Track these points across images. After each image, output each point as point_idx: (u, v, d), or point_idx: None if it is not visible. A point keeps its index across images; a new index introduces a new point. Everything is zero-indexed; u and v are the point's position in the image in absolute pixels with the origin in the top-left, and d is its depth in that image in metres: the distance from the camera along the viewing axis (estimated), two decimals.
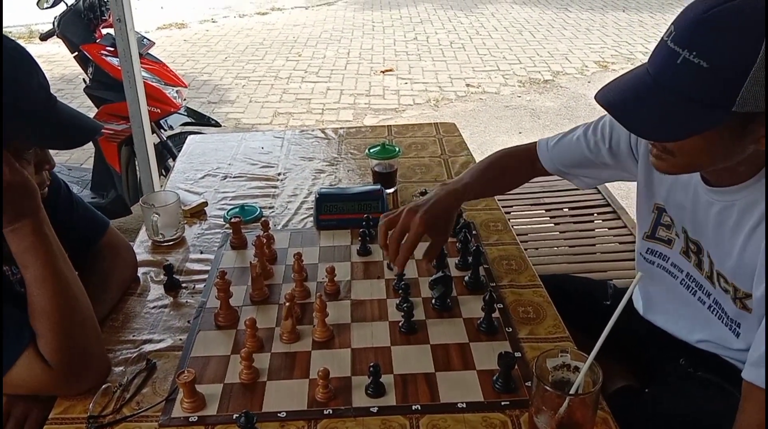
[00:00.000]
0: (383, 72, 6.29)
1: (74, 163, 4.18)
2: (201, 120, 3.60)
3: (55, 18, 3.28)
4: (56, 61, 6.41)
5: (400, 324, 1.29)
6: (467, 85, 5.88)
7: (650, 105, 1.00)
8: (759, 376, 1.00)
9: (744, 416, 1.05)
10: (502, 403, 1.10)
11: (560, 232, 2.36)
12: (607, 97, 1.04)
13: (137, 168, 3.20)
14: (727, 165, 1.06)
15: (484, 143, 4.58)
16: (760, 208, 1.07)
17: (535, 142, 1.53)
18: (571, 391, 0.97)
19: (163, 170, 3.37)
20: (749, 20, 0.92)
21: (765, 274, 1.03)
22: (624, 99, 1.02)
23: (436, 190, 1.39)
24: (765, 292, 1.03)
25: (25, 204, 1.06)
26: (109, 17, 3.13)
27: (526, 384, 1.13)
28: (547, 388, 0.96)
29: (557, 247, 2.32)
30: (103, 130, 3.13)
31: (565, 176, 1.51)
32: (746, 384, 1.04)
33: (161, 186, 3.06)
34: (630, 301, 1.06)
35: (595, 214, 2.43)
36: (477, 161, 1.63)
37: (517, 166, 1.55)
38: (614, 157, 1.36)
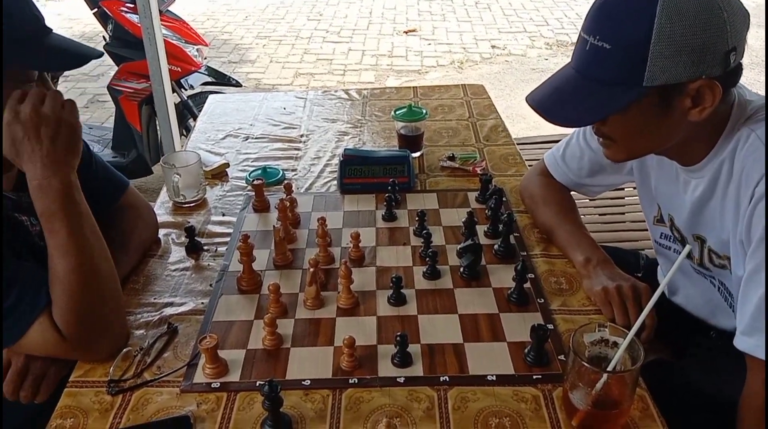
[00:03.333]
0: (406, 32, 6.15)
1: (95, 122, 4.17)
2: (222, 80, 3.54)
3: None
4: (76, 19, 6.35)
5: (424, 269, 1.28)
6: (492, 47, 5.73)
7: (570, 94, 1.03)
8: (751, 344, 1.01)
9: (747, 387, 1.05)
10: (534, 377, 1.06)
11: (590, 200, 2.29)
12: (534, 97, 1.07)
13: (158, 127, 3.16)
14: (672, 143, 1.08)
15: (509, 107, 4.47)
16: (723, 176, 1.07)
17: (541, 161, 1.51)
18: (609, 368, 0.93)
19: (183, 130, 3.33)
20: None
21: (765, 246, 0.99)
22: (549, 94, 1.06)
23: (600, 272, 1.25)
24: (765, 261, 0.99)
25: (69, 147, 1.05)
26: None
27: (559, 357, 1.09)
28: (585, 363, 0.92)
29: (587, 214, 2.26)
30: (121, 90, 3.11)
31: (578, 188, 1.48)
32: (746, 355, 1.03)
33: (182, 146, 3.02)
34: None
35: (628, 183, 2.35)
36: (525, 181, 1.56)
37: (562, 194, 1.48)
38: None
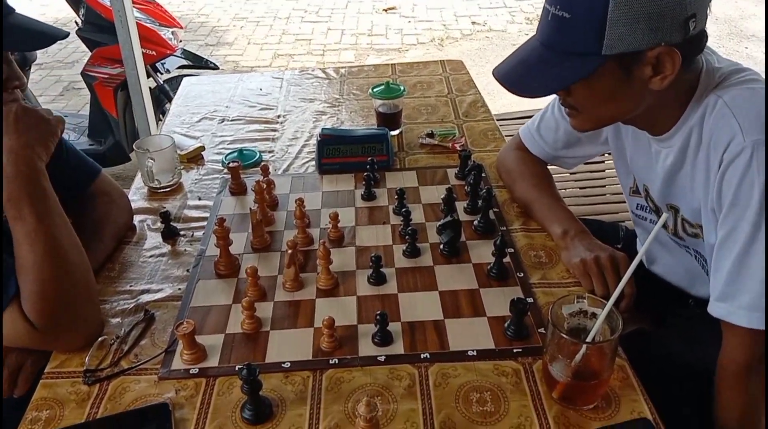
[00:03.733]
0: (386, 10, 6.08)
1: (71, 110, 4.09)
2: (198, 62, 3.48)
3: None
4: (48, 4, 6.21)
5: (404, 248, 1.28)
6: (473, 23, 5.68)
7: (533, 66, 1.03)
8: (725, 310, 1.01)
9: (723, 353, 1.06)
10: (514, 351, 1.05)
11: (570, 174, 2.29)
12: (499, 70, 1.07)
13: (135, 113, 3.11)
14: (638, 112, 1.08)
15: (490, 83, 4.43)
16: (693, 144, 1.08)
17: (516, 135, 1.50)
18: (588, 339, 0.93)
19: (160, 115, 3.28)
20: None
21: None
22: (513, 66, 1.06)
23: (577, 244, 1.25)
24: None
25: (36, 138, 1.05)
26: None
27: (539, 331, 1.09)
28: (563, 335, 0.92)
29: (567, 188, 2.26)
30: (90, 75, 3.04)
31: (554, 161, 1.47)
32: (721, 321, 1.03)
33: (158, 129, 2.98)
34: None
35: (606, 155, 2.35)
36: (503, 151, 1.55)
37: (539, 167, 1.46)
38: None
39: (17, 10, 1.08)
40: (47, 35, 1.08)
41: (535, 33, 1.06)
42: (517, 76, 1.05)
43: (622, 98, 1.04)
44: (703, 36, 1.00)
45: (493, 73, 1.07)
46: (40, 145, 1.07)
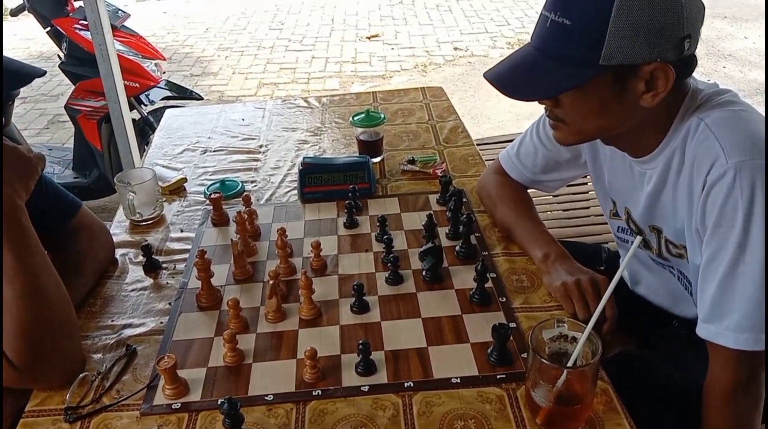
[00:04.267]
0: (369, 38, 6.15)
1: (55, 143, 4.08)
2: (183, 94, 3.49)
3: None
4: (33, 38, 6.23)
5: (387, 275, 1.29)
6: (455, 49, 5.75)
7: (528, 70, 1.04)
8: (712, 331, 1.02)
9: (710, 375, 1.06)
10: (498, 377, 1.05)
11: (553, 196, 2.30)
12: (492, 72, 1.08)
13: (118, 144, 3.10)
14: (623, 129, 1.08)
15: (474, 108, 4.50)
16: (675, 165, 1.08)
17: (496, 160, 1.51)
18: (569, 363, 0.93)
19: (145, 146, 3.27)
20: None
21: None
22: (506, 69, 1.07)
23: (558, 267, 1.25)
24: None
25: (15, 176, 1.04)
26: None
27: (522, 356, 1.09)
28: (544, 360, 0.92)
29: (551, 211, 2.27)
30: (74, 108, 3.04)
31: (534, 185, 1.49)
32: (707, 342, 1.04)
33: (141, 161, 2.98)
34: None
35: (588, 177, 2.37)
36: (485, 174, 1.56)
37: (519, 192, 1.47)
38: (569, 148, 1.34)
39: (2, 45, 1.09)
40: (23, 74, 1.09)
41: (530, 40, 1.07)
42: (511, 79, 1.06)
43: (611, 112, 1.04)
44: (693, 59, 1.02)
45: (484, 76, 1.08)
46: (20, 183, 1.06)
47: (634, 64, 0.96)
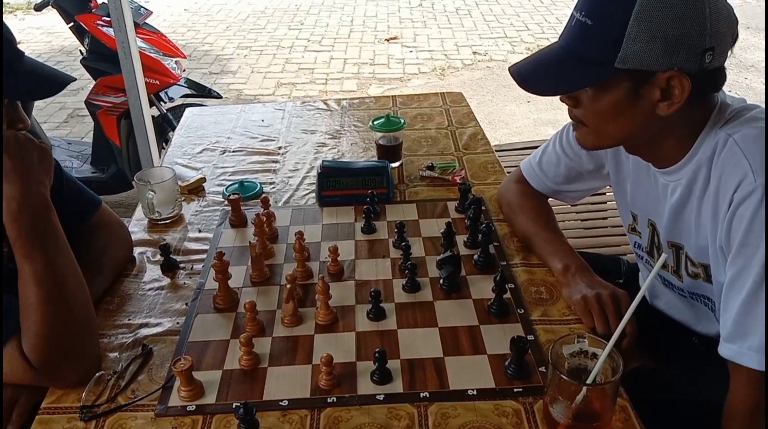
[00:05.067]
0: (388, 40, 6.15)
1: (74, 138, 4.12)
2: (202, 91, 3.51)
3: None
4: (55, 33, 6.28)
5: (404, 282, 1.28)
6: (474, 53, 5.74)
7: (548, 66, 1.06)
8: (733, 351, 1.00)
9: (731, 395, 1.05)
10: (515, 390, 1.04)
11: (572, 206, 2.28)
12: (517, 66, 1.10)
13: (137, 141, 3.13)
14: (643, 137, 1.08)
15: (492, 113, 4.48)
16: (701, 181, 1.07)
17: (517, 169, 1.51)
18: (589, 380, 0.92)
19: (163, 143, 3.30)
20: None
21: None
22: (530, 64, 1.09)
23: (578, 280, 1.24)
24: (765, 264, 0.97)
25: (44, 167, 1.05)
26: None
27: (540, 369, 1.08)
28: (563, 376, 0.91)
29: (569, 220, 2.25)
30: (94, 103, 3.07)
31: (555, 195, 1.48)
32: (728, 362, 1.03)
33: (161, 159, 2.99)
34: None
35: (608, 188, 2.35)
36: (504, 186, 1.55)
37: (539, 201, 1.47)
38: (592, 158, 1.34)
39: (25, 40, 1.09)
40: (56, 82, 1.09)
41: (558, 38, 1.08)
42: (531, 73, 1.08)
43: (627, 116, 1.04)
44: (719, 74, 1.01)
45: (509, 69, 1.10)
46: (46, 177, 1.07)
47: (649, 70, 0.96)
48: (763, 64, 5.15)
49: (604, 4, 0.98)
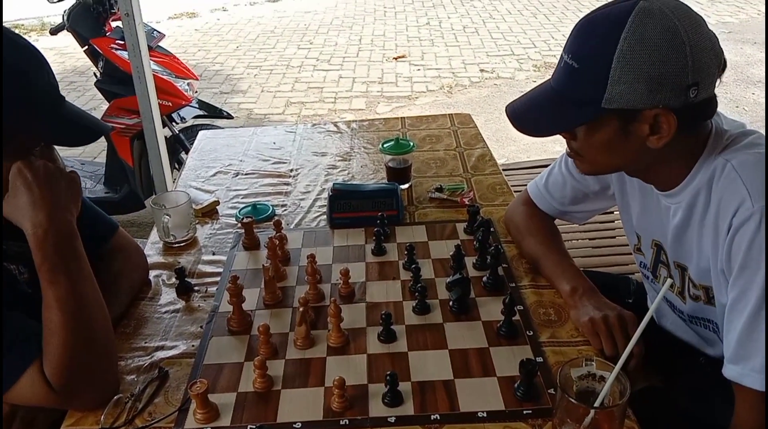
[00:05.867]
0: (396, 59, 6.22)
1: (87, 158, 4.18)
2: (213, 112, 3.57)
3: (64, 12, 3.25)
4: (69, 53, 6.40)
5: (414, 304, 1.31)
6: (481, 71, 5.79)
7: (541, 107, 1.11)
8: (737, 372, 1.02)
9: (735, 416, 1.06)
10: (524, 412, 1.06)
11: (580, 226, 2.30)
12: (512, 105, 1.15)
13: (150, 162, 3.18)
14: (640, 166, 1.13)
15: (499, 130, 4.51)
16: (701, 205, 1.10)
17: (524, 191, 1.54)
18: (597, 403, 0.94)
19: (176, 164, 3.35)
20: (611, 24, 0.99)
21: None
22: (523, 103, 1.14)
23: (586, 302, 1.25)
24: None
25: (73, 197, 1.08)
26: (118, 11, 3.09)
27: (549, 391, 1.10)
28: (572, 399, 0.92)
29: (577, 240, 2.27)
30: (113, 126, 3.13)
31: (562, 216, 1.51)
32: (732, 383, 1.04)
33: (173, 180, 3.04)
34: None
35: (616, 206, 2.37)
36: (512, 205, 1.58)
37: (546, 223, 1.49)
38: (597, 179, 1.37)
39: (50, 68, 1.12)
40: (93, 131, 1.13)
41: (550, 77, 1.12)
42: (525, 114, 1.13)
43: (620, 151, 1.08)
44: (709, 104, 1.04)
45: (506, 109, 1.15)
46: (72, 202, 1.10)
47: (635, 109, 0.99)
48: None
49: (588, 48, 1.01)
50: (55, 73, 1.12)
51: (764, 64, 5.50)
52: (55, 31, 3.44)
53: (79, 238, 1.09)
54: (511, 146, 4.31)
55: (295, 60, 6.29)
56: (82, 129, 1.12)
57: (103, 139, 3.37)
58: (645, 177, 1.18)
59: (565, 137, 1.14)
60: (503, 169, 1.92)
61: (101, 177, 3.46)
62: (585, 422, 0.92)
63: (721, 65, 1.01)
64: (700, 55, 0.97)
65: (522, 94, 1.16)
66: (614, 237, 2.24)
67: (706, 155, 1.08)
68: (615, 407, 0.93)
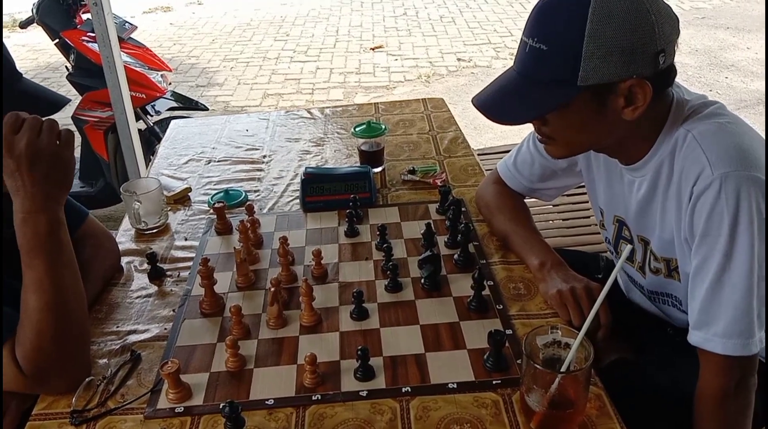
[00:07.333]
0: (373, 49, 6.21)
1: None
2: (188, 104, 3.54)
3: (33, 4, 3.21)
4: (41, 50, 6.31)
5: (386, 283, 1.31)
6: (458, 60, 5.80)
7: (511, 95, 1.09)
8: (701, 338, 1.05)
9: (700, 381, 1.09)
10: (494, 382, 1.08)
11: (554, 206, 2.33)
12: (479, 98, 1.12)
13: (123, 153, 3.15)
14: (611, 140, 1.12)
15: (477, 118, 4.52)
16: (664, 176, 1.11)
17: (494, 170, 1.55)
18: (562, 369, 0.96)
19: (150, 156, 3.32)
20: (575, 1, 0.99)
21: None
22: (492, 95, 1.11)
23: (554, 275, 1.27)
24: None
25: (60, 183, 1.07)
26: (88, 2, 3.06)
27: (517, 362, 1.11)
28: (537, 366, 0.94)
29: (551, 220, 2.30)
30: (87, 120, 3.10)
31: (531, 194, 1.52)
32: (697, 349, 1.07)
33: (147, 171, 3.01)
34: (616, 278, 1.07)
35: None
36: (484, 182, 1.59)
37: (516, 200, 1.51)
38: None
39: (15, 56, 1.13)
40: (52, 103, 1.13)
41: (512, 64, 1.11)
42: (496, 104, 1.10)
43: (595, 127, 1.09)
44: (671, 70, 1.06)
45: (472, 101, 1.12)
46: (64, 190, 1.09)
47: (611, 82, 1.00)
48: (743, 64, 5.23)
49: (555, 28, 1.01)
50: (27, 69, 1.13)
51: (752, 51, 5.58)
52: (24, 25, 3.39)
53: (65, 226, 1.09)
54: (488, 134, 4.33)
55: (271, 52, 6.26)
56: (42, 100, 1.11)
57: (77, 133, 3.35)
58: (611, 152, 1.20)
59: (535, 124, 1.13)
60: (478, 154, 1.94)
61: (76, 172, 3.42)
62: (551, 388, 0.94)
63: (677, 32, 1.03)
64: (664, 23, 0.99)
65: (486, 85, 1.15)
66: (587, 217, 2.27)
67: (669, 126, 1.10)
68: (579, 371, 0.95)
